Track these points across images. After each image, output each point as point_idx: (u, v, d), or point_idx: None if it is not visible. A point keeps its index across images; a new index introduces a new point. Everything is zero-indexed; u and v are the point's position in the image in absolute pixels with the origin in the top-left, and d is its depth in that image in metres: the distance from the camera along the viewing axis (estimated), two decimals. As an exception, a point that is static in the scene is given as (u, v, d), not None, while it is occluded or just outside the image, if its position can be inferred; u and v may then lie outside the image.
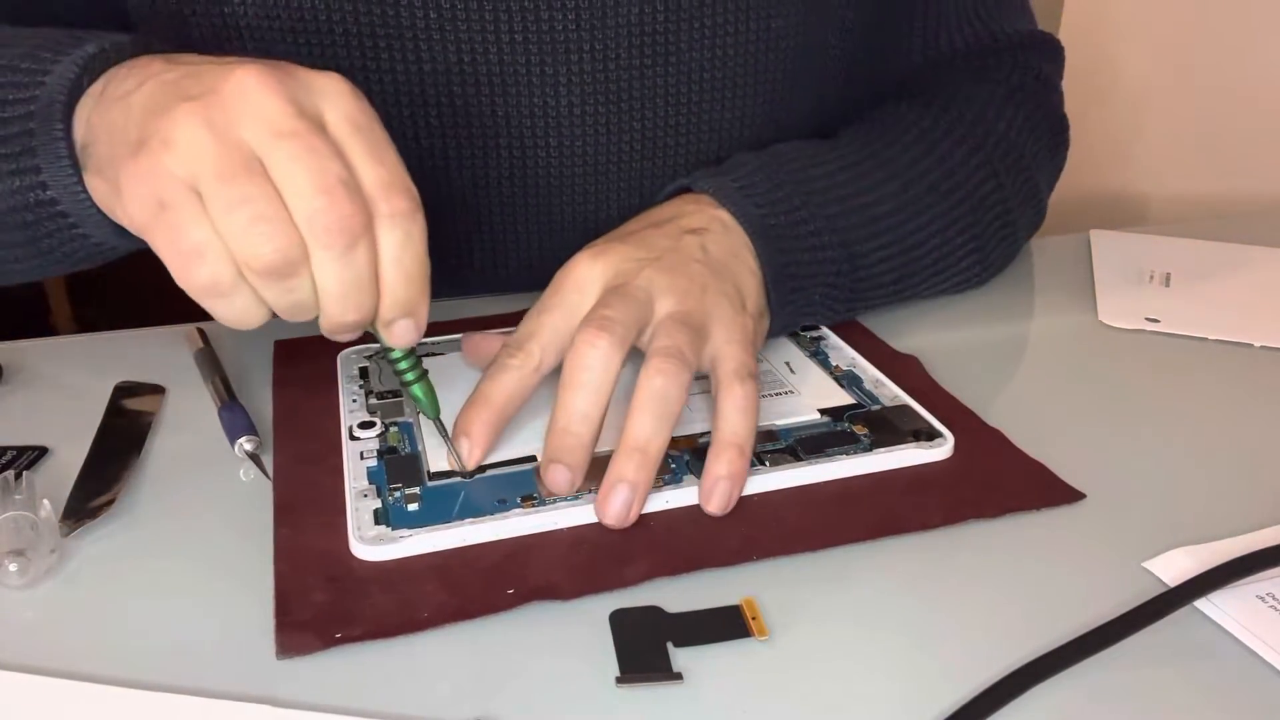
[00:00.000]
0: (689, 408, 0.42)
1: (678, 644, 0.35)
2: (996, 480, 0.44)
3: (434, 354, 0.52)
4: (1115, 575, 0.39)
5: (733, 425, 0.42)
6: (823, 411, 0.47)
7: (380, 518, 0.40)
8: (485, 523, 0.40)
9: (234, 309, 0.37)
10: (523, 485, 0.42)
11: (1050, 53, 0.67)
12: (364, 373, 0.51)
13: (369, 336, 0.40)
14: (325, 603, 0.37)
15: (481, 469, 0.43)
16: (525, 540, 0.40)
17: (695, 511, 0.41)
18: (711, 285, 0.46)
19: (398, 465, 0.44)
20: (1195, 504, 0.43)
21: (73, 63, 0.40)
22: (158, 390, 0.51)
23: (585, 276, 0.45)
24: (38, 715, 0.33)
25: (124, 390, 0.51)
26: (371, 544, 0.39)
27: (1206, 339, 0.57)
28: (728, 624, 0.36)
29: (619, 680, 0.34)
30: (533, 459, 0.44)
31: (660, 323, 0.44)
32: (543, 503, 0.41)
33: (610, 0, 0.53)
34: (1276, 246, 0.70)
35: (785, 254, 0.51)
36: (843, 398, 0.49)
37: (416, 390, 0.42)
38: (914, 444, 0.45)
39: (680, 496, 0.42)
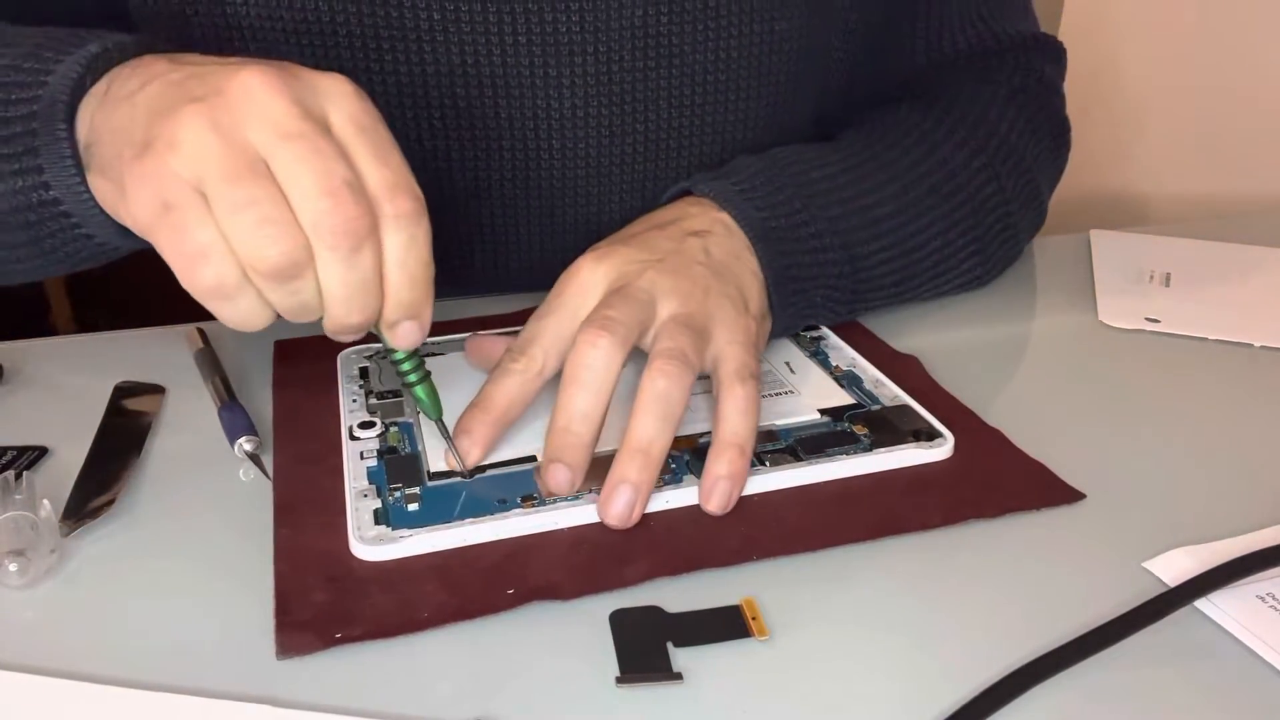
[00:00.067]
0: (690, 408, 0.42)
1: (678, 644, 0.35)
2: (996, 480, 0.44)
3: (435, 354, 0.52)
4: (1115, 575, 0.39)
5: (733, 426, 0.42)
6: (823, 411, 0.47)
7: (380, 518, 0.40)
8: (485, 523, 0.40)
9: (238, 311, 0.37)
10: (523, 485, 0.42)
11: (1052, 54, 0.67)
12: (364, 373, 0.51)
13: (371, 336, 0.40)
14: (325, 603, 0.37)
15: (481, 469, 0.43)
16: (525, 540, 0.40)
17: (695, 511, 0.41)
18: (714, 287, 0.46)
19: (398, 465, 0.44)
20: (1195, 504, 0.43)
21: (76, 62, 0.40)
22: (158, 390, 0.51)
23: (588, 279, 0.45)
24: (38, 715, 0.33)
25: (124, 390, 0.51)
26: (371, 544, 0.39)
27: (1206, 339, 0.57)
28: (728, 624, 0.36)
29: (619, 680, 0.34)
30: (533, 459, 0.44)
31: (663, 324, 0.44)
32: (543, 503, 0.41)
33: (614, 3, 0.53)
34: (1276, 246, 0.70)
35: (787, 256, 0.51)
36: (843, 398, 0.49)
37: (419, 391, 0.42)
38: (914, 444, 0.45)
39: (680, 496, 0.42)
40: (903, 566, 0.39)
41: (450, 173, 0.56)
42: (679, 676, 0.34)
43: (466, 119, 0.54)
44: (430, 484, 0.42)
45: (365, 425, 0.46)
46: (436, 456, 0.44)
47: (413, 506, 0.41)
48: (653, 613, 0.37)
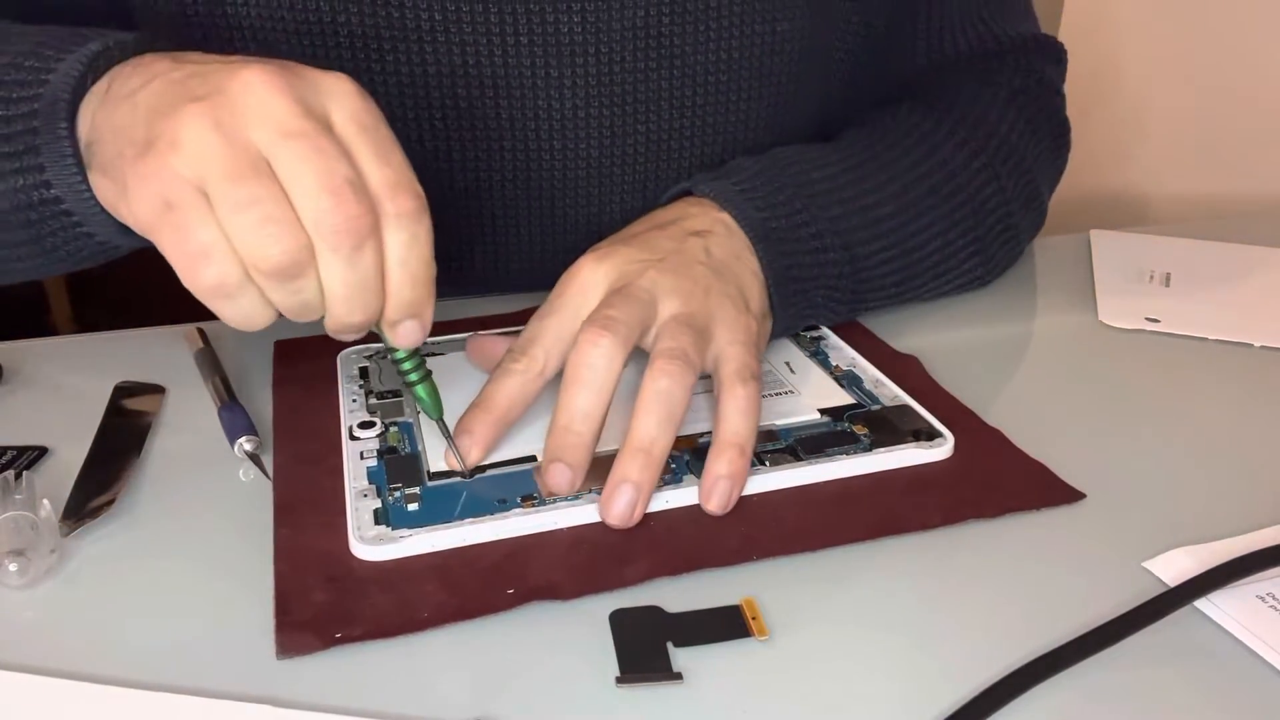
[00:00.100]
0: (690, 408, 0.42)
1: (678, 644, 0.35)
2: (996, 480, 0.44)
3: (435, 354, 0.52)
4: (1115, 575, 0.39)
5: (734, 425, 0.42)
6: (823, 411, 0.47)
7: (380, 518, 0.40)
8: (485, 523, 0.40)
9: (240, 310, 0.37)
10: (523, 485, 0.42)
11: (1053, 55, 0.67)
12: (364, 373, 0.51)
13: (372, 336, 0.40)
14: (325, 603, 0.37)
15: (481, 469, 0.43)
16: (525, 540, 0.40)
17: (695, 511, 0.41)
18: (715, 287, 0.46)
19: (398, 465, 0.44)
20: (1195, 504, 0.43)
21: (77, 60, 0.40)
22: (158, 390, 0.51)
23: (589, 279, 0.45)
24: (38, 715, 0.33)
25: (124, 390, 0.51)
26: (371, 544, 0.39)
27: (1206, 339, 0.57)
28: (728, 624, 0.36)
29: (619, 680, 0.34)
30: (533, 459, 0.44)
31: (664, 324, 0.44)
32: (543, 503, 0.41)
33: (616, 3, 0.53)
34: (1276, 246, 0.70)
35: (787, 256, 0.51)
36: (843, 398, 0.49)
37: (420, 390, 0.42)
38: (914, 444, 0.45)
39: (680, 496, 0.42)
40: (903, 566, 0.39)
41: (451, 173, 0.56)
42: (679, 676, 0.34)
43: (468, 119, 0.54)
44: (430, 484, 0.42)
45: (365, 425, 0.46)
46: (436, 456, 0.44)
47: (413, 506, 0.41)
48: (653, 613, 0.37)
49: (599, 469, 0.41)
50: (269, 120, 0.35)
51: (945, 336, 0.57)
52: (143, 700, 0.33)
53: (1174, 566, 0.39)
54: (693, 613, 0.37)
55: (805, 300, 0.52)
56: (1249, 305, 0.61)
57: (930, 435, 0.45)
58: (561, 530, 0.40)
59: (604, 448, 0.42)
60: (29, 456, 0.46)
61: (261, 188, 0.34)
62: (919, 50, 0.64)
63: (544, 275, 0.49)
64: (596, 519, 0.41)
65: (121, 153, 0.37)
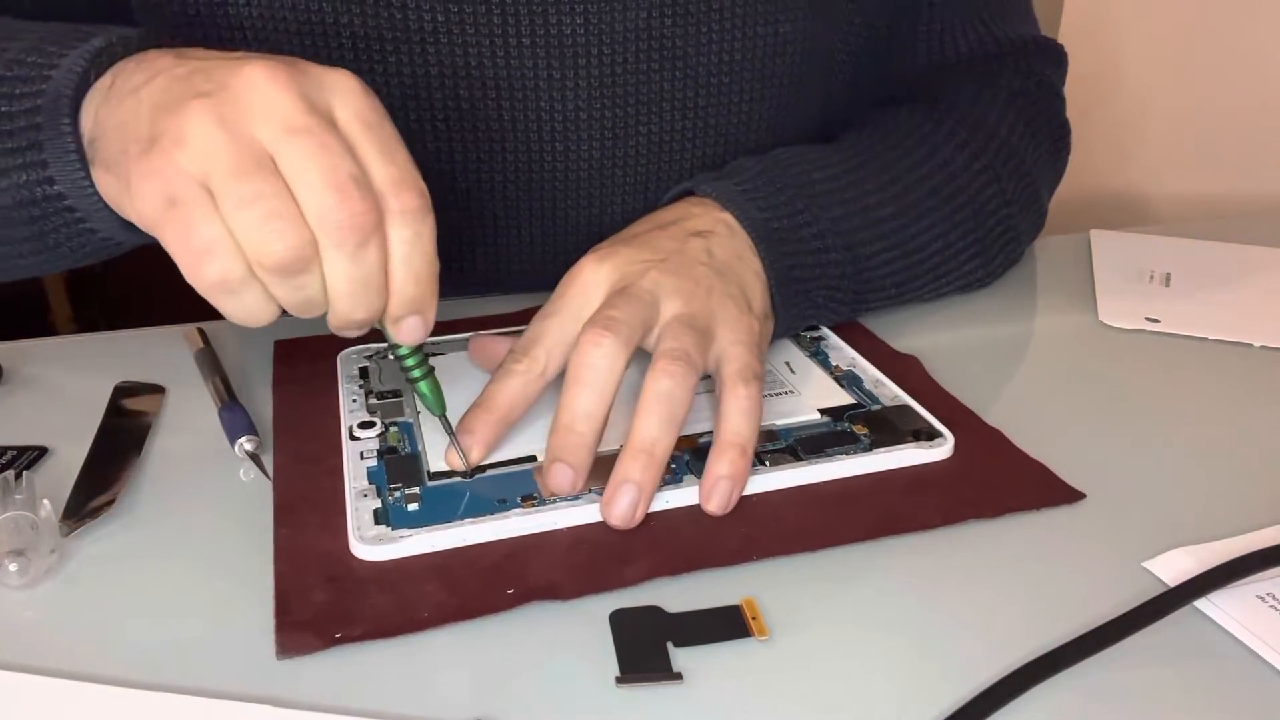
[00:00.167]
0: (692, 408, 0.42)
1: (678, 644, 0.35)
2: (996, 480, 0.44)
3: (436, 354, 0.52)
4: (1115, 575, 0.39)
5: (735, 426, 0.42)
6: (823, 411, 0.47)
7: (380, 518, 0.40)
8: (485, 523, 0.40)
9: (243, 306, 0.37)
10: (523, 485, 0.42)
11: (1053, 58, 0.67)
12: (364, 373, 0.51)
13: (373, 335, 0.40)
14: (325, 603, 0.37)
15: (481, 469, 0.43)
16: (525, 540, 0.40)
17: (695, 511, 0.41)
18: (717, 287, 0.46)
19: (398, 465, 0.44)
20: (1195, 504, 0.43)
21: (80, 56, 0.40)
22: (158, 390, 0.51)
23: (591, 280, 0.45)
24: (38, 715, 0.33)
25: (124, 390, 0.51)
26: (371, 544, 0.39)
27: (1206, 339, 0.57)
28: (728, 624, 0.36)
29: (619, 680, 0.34)
30: (533, 459, 0.44)
31: (666, 325, 0.44)
32: (543, 503, 0.41)
33: (618, 5, 0.53)
34: (1276, 246, 0.70)
35: (789, 257, 0.51)
36: (843, 398, 0.49)
37: (423, 387, 0.42)
38: (914, 444, 0.45)
39: (680, 496, 0.42)
40: (903, 566, 0.39)
41: (453, 174, 0.56)
42: (679, 676, 0.34)
43: (469, 120, 0.54)
44: (430, 484, 0.42)
45: (365, 425, 0.46)
46: (436, 456, 0.44)
47: (413, 506, 0.41)
48: (653, 613, 0.37)
49: (600, 469, 0.41)
50: (273, 116, 0.35)
51: (945, 336, 0.57)
52: (143, 700, 0.33)
53: (1174, 566, 0.39)
54: (693, 613, 0.37)
55: (807, 300, 0.52)
56: (1249, 305, 0.61)
57: (930, 435, 0.45)
58: (561, 530, 0.40)
59: (605, 448, 0.42)
60: (29, 456, 0.46)
61: (266, 184, 0.34)
62: (920, 52, 0.64)
63: (545, 276, 0.49)
64: (596, 519, 0.41)
65: (125, 149, 0.37)
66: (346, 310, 0.37)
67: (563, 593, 0.37)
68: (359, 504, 0.41)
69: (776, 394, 0.49)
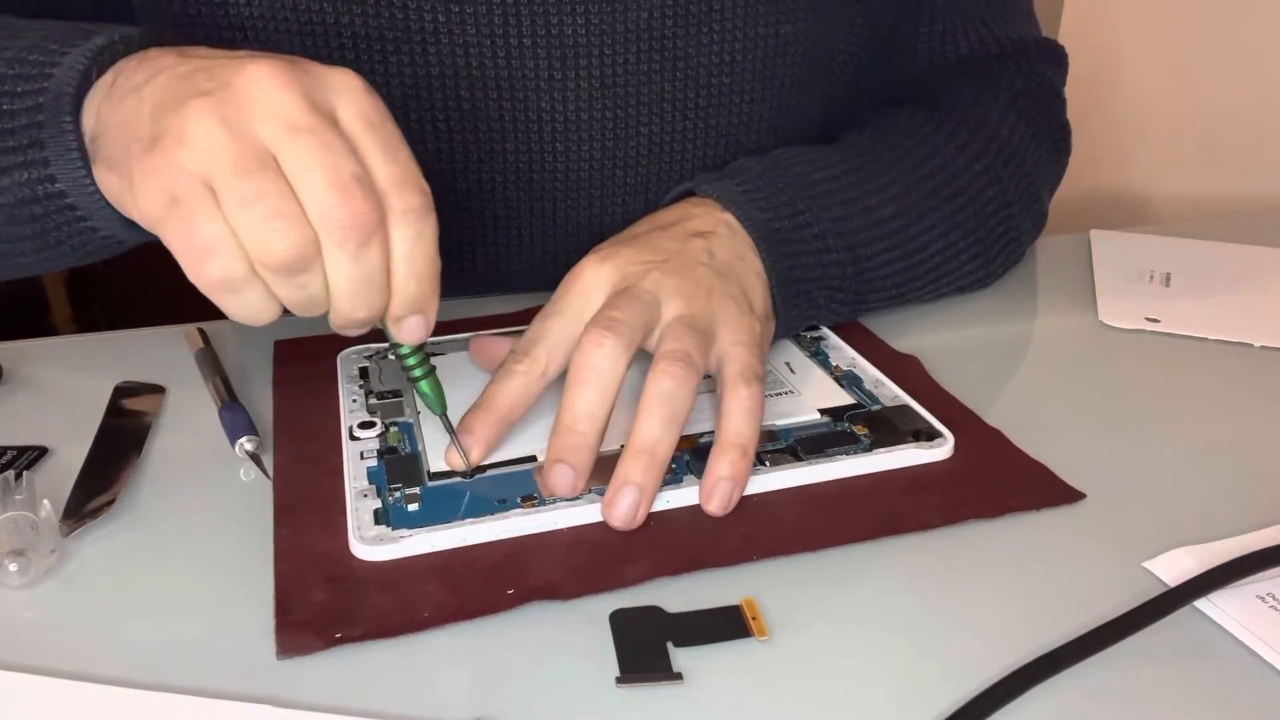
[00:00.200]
0: (693, 408, 0.42)
1: (678, 644, 0.35)
2: (996, 480, 0.44)
3: (437, 354, 0.52)
4: (1115, 575, 0.39)
5: (736, 426, 0.42)
6: (823, 411, 0.47)
7: (380, 518, 0.40)
8: (485, 523, 0.40)
9: (245, 304, 0.37)
10: (523, 485, 0.42)
11: (1054, 59, 0.68)
12: (364, 373, 0.51)
13: (373, 335, 0.40)
14: (325, 603, 0.37)
15: (482, 469, 0.43)
16: (525, 540, 0.40)
17: (695, 511, 0.41)
18: (718, 288, 0.46)
19: (398, 465, 0.44)
20: (1195, 504, 0.43)
21: (81, 54, 0.40)
22: (158, 390, 0.51)
23: (592, 280, 0.45)
24: (38, 715, 0.33)
25: (124, 390, 0.51)
26: (371, 544, 0.39)
27: (1206, 339, 0.57)
28: (728, 624, 0.36)
29: (619, 680, 0.34)
30: (533, 459, 0.44)
31: (668, 326, 0.44)
32: (543, 503, 0.41)
33: (619, 5, 0.53)
34: (1276, 246, 0.70)
35: (790, 257, 0.51)
36: (843, 398, 0.49)
37: (424, 386, 0.42)
38: (914, 444, 0.45)
39: (680, 496, 0.42)
40: (903, 566, 0.39)
41: (454, 174, 0.56)
42: (679, 676, 0.34)
43: (470, 121, 0.54)
44: (430, 484, 0.42)
45: (365, 425, 0.46)
46: (436, 456, 0.44)
47: (413, 506, 0.41)
48: (653, 613, 0.37)
49: (601, 469, 0.41)
50: (276, 115, 0.35)
51: (945, 336, 0.57)
52: (143, 700, 0.33)
53: (1174, 566, 0.39)
54: (693, 613, 0.37)
55: (808, 301, 0.52)
56: (1249, 305, 0.61)
57: (930, 435, 0.45)
58: (561, 530, 0.40)
59: (606, 448, 0.42)
60: (29, 456, 0.46)
61: (268, 182, 0.34)
62: (921, 53, 0.64)
63: (546, 276, 0.49)
64: (597, 519, 0.41)
65: (127, 147, 0.37)
66: (348, 309, 0.37)
67: (563, 593, 0.37)
68: (359, 504, 0.41)
69: (777, 394, 0.49)
